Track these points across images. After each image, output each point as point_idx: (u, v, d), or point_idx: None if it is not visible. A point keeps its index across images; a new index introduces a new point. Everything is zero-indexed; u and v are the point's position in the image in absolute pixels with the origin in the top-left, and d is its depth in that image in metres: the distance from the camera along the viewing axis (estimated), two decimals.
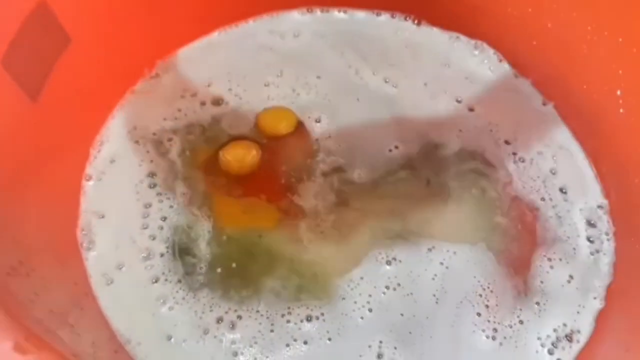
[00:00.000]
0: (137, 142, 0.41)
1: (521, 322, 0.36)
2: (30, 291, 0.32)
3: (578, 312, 0.36)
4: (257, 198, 0.39)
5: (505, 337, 0.35)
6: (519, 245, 0.38)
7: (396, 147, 0.41)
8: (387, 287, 0.36)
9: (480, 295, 0.36)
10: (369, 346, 0.35)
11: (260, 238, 0.38)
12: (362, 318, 0.36)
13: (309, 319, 0.36)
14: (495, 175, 0.41)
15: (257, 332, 0.35)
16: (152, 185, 0.40)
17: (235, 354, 0.35)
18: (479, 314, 0.36)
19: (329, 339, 0.35)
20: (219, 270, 0.37)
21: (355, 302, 0.36)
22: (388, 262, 0.37)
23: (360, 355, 0.35)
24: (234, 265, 0.37)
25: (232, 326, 0.35)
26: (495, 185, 0.40)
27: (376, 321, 0.36)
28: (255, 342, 0.35)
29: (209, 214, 0.39)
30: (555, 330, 0.36)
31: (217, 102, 0.43)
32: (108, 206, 0.39)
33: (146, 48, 0.43)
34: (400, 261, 0.37)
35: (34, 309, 0.31)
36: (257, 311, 0.36)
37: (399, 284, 0.37)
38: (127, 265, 0.37)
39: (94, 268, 0.37)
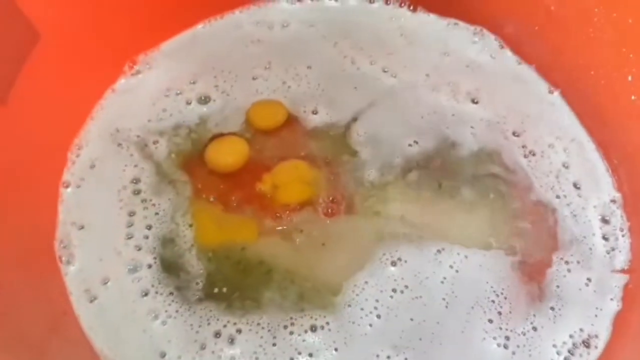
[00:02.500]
0: (119, 145, 0.38)
1: (535, 328, 0.34)
2: None
3: (595, 316, 0.35)
4: (240, 209, 0.36)
5: (518, 346, 0.33)
6: (537, 248, 0.36)
7: (415, 143, 0.39)
8: (394, 290, 0.34)
9: (493, 302, 0.34)
10: (377, 356, 0.33)
11: (244, 250, 0.35)
12: (370, 325, 0.33)
13: (313, 329, 0.33)
14: (512, 177, 0.38)
15: (258, 346, 0.33)
16: (137, 192, 0.37)
17: None
18: (490, 321, 0.34)
19: (336, 349, 0.33)
20: (210, 282, 0.34)
21: (362, 309, 0.34)
22: (393, 263, 0.35)
23: None
24: (227, 276, 0.35)
25: (231, 341, 0.33)
26: (513, 187, 0.38)
27: (385, 328, 0.33)
28: (257, 358, 0.33)
29: (191, 222, 0.36)
30: (571, 336, 0.34)
31: (204, 100, 0.40)
32: (89, 216, 0.36)
33: (126, 42, 0.40)
34: (405, 261, 0.35)
35: None
36: (258, 324, 0.33)
37: (406, 286, 0.34)
38: (112, 279, 0.35)
39: (75, 284, 0.35)
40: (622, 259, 0.36)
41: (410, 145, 0.39)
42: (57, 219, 0.36)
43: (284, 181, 0.37)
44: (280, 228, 0.36)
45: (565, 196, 0.38)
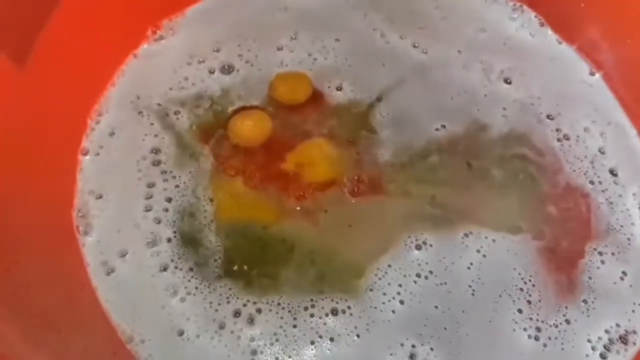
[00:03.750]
0: (140, 113, 0.37)
1: (567, 321, 0.33)
2: (7, 292, 0.28)
3: (633, 311, 0.33)
4: (262, 187, 0.35)
5: (549, 338, 0.32)
6: (568, 236, 0.35)
7: (443, 127, 0.37)
8: (418, 275, 0.33)
9: (522, 290, 0.33)
10: (402, 344, 0.32)
11: (265, 228, 0.34)
12: (393, 312, 0.32)
13: (334, 312, 0.32)
14: (543, 161, 0.37)
15: (278, 327, 0.32)
16: (156, 163, 0.36)
17: (255, 353, 0.31)
18: (520, 311, 0.33)
19: (357, 336, 0.32)
20: (230, 260, 0.33)
21: (385, 294, 0.33)
22: (418, 247, 0.34)
23: (392, 355, 0.32)
24: (247, 254, 0.33)
25: (251, 321, 0.32)
26: (543, 170, 0.36)
27: (409, 315, 0.32)
28: (277, 340, 0.32)
29: (212, 197, 0.35)
30: (607, 331, 0.33)
31: (227, 69, 0.39)
32: (107, 185, 0.35)
33: (150, 7, 0.38)
34: (431, 245, 0.34)
35: (5, 320, 0.27)
36: (278, 304, 0.32)
37: (430, 272, 0.33)
38: (131, 251, 0.34)
39: (92, 255, 0.34)
40: None
41: (437, 129, 0.37)
42: (75, 188, 0.35)
43: (308, 160, 0.36)
44: (303, 207, 0.35)
45: (600, 182, 0.36)
